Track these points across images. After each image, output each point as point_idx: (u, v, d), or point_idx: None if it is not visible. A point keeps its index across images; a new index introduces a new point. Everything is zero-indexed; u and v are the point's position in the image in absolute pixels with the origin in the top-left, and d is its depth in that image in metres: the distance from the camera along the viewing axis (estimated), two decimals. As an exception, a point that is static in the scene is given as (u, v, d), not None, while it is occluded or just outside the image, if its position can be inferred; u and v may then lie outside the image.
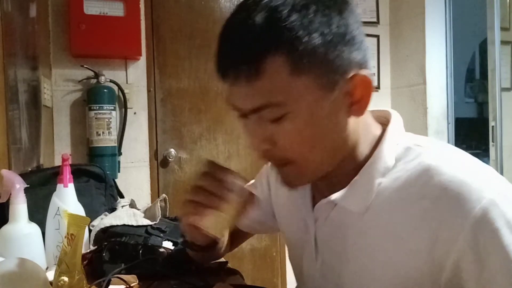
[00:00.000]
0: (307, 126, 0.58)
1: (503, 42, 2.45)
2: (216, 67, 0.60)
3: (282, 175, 0.64)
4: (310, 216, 0.70)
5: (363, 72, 0.59)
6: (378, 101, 2.72)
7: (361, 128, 0.64)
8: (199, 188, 0.66)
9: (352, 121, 0.61)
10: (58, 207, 0.94)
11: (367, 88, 0.59)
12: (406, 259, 0.58)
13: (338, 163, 0.63)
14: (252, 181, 0.94)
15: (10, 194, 0.88)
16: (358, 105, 0.60)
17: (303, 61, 0.55)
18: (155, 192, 2.43)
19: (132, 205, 1.26)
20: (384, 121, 0.68)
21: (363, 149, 0.64)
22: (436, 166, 0.57)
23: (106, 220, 1.02)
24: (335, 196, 0.65)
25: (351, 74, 0.58)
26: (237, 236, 0.97)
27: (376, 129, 0.66)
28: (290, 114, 0.57)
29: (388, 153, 0.63)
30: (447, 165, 0.57)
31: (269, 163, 0.83)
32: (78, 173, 1.29)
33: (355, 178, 0.63)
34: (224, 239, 0.85)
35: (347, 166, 0.64)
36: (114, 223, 1.00)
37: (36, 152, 1.73)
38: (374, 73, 2.77)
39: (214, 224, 0.66)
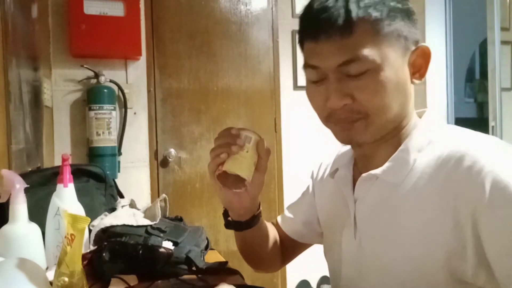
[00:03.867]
0: (386, 81, 0.67)
1: (503, 42, 2.45)
2: (306, 29, 0.71)
3: (348, 133, 0.72)
4: (351, 198, 0.78)
5: (424, 44, 0.72)
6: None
7: (411, 106, 0.74)
8: (217, 146, 0.78)
9: (411, 92, 0.73)
10: (58, 207, 0.93)
11: (427, 58, 0.72)
12: (435, 219, 0.65)
13: (389, 132, 0.73)
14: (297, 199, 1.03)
15: (10, 194, 0.88)
16: (418, 73, 0.73)
17: (384, 28, 0.66)
18: (155, 192, 2.43)
19: (132, 205, 1.26)
20: (421, 116, 0.78)
21: (407, 130, 0.74)
22: (459, 142, 0.67)
23: (106, 220, 1.02)
24: (376, 170, 0.73)
25: (417, 46, 0.71)
26: (289, 246, 1.01)
27: (417, 118, 0.77)
28: (372, 69, 0.66)
29: (424, 134, 0.73)
30: (469, 143, 0.66)
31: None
32: (78, 173, 1.29)
33: (395, 154, 0.72)
34: (258, 202, 0.90)
35: (390, 142, 0.74)
36: (114, 223, 0.99)
37: (40, 152, 1.73)
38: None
39: (235, 164, 0.75)
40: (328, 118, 0.73)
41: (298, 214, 0.99)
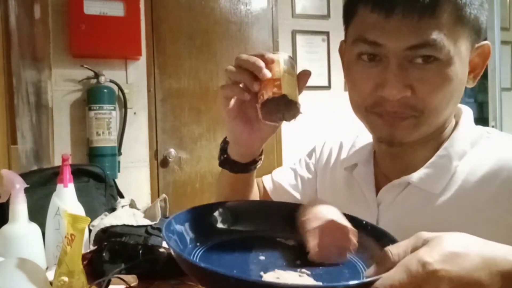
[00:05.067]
0: (453, 77, 0.59)
1: (503, 42, 2.45)
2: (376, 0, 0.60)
3: (393, 129, 0.63)
4: (373, 200, 0.71)
5: (486, 42, 0.64)
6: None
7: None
8: (241, 68, 0.61)
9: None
10: (58, 207, 0.93)
11: (485, 58, 0.65)
12: (483, 231, 0.59)
13: (430, 134, 0.65)
14: (293, 165, 0.93)
15: (10, 194, 0.88)
16: (473, 74, 0.65)
17: (467, 13, 0.58)
18: (155, 192, 2.43)
19: (132, 205, 1.26)
20: (455, 114, 0.70)
21: (447, 133, 0.67)
22: (506, 150, 0.62)
23: (106, 220, 1.01)
24: (411, 176, 0.65)
25: (480, 43, 0.63)
26: None
27: (452, 120, 0.70)
28: (443, 61, 0.58)
29: (464, 138, 0.66)
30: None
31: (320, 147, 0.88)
32: (78, 173, 1.29)
33: (433, 159, 0.65)
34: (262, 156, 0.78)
35: (428, 145, 0.67)
36: (114, 223, 0.99)
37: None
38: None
39: (291, 88, 0.59)
40: (372, 108, 0.64)
41: (291, 189, 0.89)
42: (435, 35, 0.57)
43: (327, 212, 0.55)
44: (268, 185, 0.92)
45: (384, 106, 0.62)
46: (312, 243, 0.53)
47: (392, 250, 0.43)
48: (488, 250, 0.42)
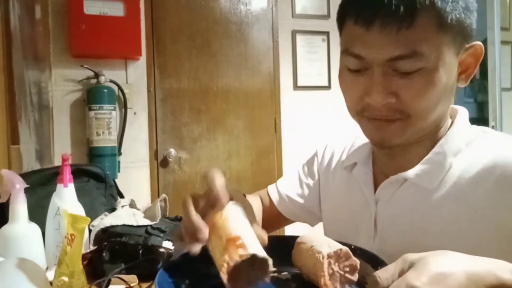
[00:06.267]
0: (437, 83, 0.60)
1: (503, 42, 2.45)
2: (354, 10, 0.61)
3: (382, 133, 0.66)
4: (372, 197, 0.73)
5: (478, 42, 0.64)
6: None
7: (449, 108, 0.69)
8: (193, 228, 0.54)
9: (454, 94, 0.67)
10: (58, 207, 0.93)
11: (477, 58, 0.65)
12: (477, 226, 0.61)
13: (424, 135, 0.67)
14: (292, 176, 0.95)
15: (10, 194, 0.88)
16: (465, 74, 0.66)
17: (448, 19, 0.59)
18: (155, 192, 2.43)
19: (132, 205, 1.26)
20: (451, 114, 0.72)
21: (442, 132, 0.69)
22: (501, 148, 0.64)
23: (106, 220, 1.01)
24: (407, 173, 0.67)
25: (470, 43, 0.64)
26: (276, 221, 0.95)
27: (448, 119, 0.71)
28: (426, 69, 0.59)
29: (460, 136, 0.68)
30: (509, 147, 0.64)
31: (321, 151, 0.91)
32: (78, 173, 1.29)
33: (428, 156, 0.67)
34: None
35: (422, 143, 0.68)
36: (114, 223, 0.99)
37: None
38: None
39: (255, 243, 0.51)
40: (362, 113, 0.66)
41: (298, 197, 0.92)
42: (416, 46, 0.58)
43: (333, 242, 0.57)
44: (274, 197, 0.94)
45: (371, 111, 0.65)
46: (325, 268, 0.52)
47: (381, 274, 0.44)
48: (472, 265, 0.43)
